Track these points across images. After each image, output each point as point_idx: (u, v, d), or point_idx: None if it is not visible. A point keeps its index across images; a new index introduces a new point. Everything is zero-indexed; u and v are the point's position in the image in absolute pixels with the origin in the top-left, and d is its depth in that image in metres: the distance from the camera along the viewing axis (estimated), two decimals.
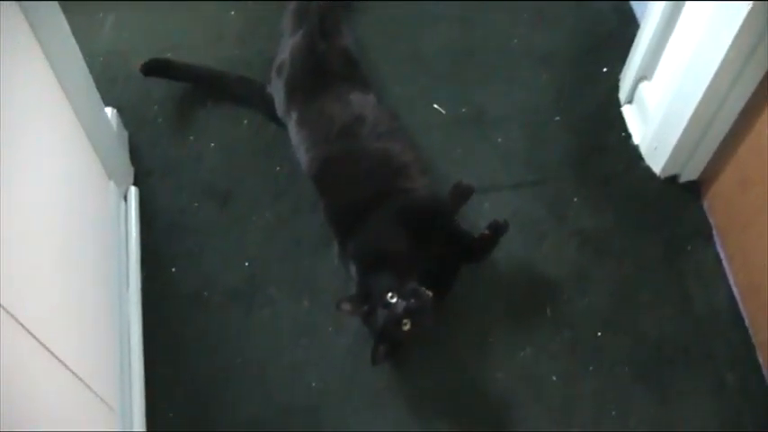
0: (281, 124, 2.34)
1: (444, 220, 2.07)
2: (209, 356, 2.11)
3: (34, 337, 1.38)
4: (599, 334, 2.13)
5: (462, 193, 2.06)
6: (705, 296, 2.19)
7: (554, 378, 2.08)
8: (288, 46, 2.34)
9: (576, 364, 2.10)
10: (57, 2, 1.81)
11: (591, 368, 2.09)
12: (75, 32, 1.89)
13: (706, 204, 2.30)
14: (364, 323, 2.00)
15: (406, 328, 1.91)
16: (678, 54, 2.16)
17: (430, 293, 1.92)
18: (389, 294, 1.91)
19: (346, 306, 1.97)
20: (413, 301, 1.90)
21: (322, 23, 2.33)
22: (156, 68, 2.45)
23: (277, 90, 2.33)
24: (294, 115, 2.24)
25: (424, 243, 2.01)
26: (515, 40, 2.60)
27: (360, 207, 2.07)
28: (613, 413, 2.04)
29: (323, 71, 2.26)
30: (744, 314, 2.15)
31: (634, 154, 2.38)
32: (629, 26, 2.55)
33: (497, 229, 2.06)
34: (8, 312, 1.28)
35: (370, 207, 2.06)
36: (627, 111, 2.45)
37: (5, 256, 1.34)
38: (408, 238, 2.01)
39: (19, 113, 1.57)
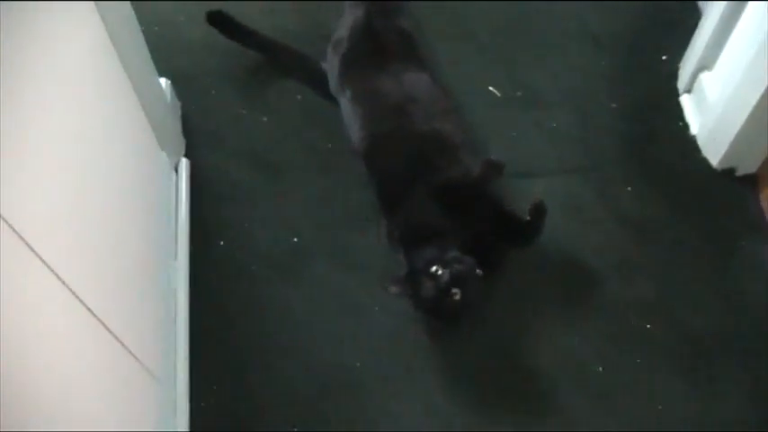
0: (333, 100, 2.33)
1: (473, 193, 2.06)
2: (254, 330, 2.11)
3: (80, 299, 1.39)
4: (647, 326, 2.10)
5: (492, 169, 2.04)
6: (756, 294, 2.14)
7: (597, 367, 2.06)
8: (348, 23, 2.32)
9: (620, 354, 2.07)
10: None
11: (635, 359, 2.07)
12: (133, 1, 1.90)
13: (763, 199, 2.25)
14: (415, 305, 1.99)
15: (457, 297, 1.91)
16: (742, 45, 2.11)
17: (473, 259, 1.92)
18: (434, 268, 1.91)
19: (394, 288, 1.97)
20: (456, 266, 1.90)
21: (383, 2, 2.31)
22: (219, 21, 2.42)
23: (332, 66, 2.32)
24: (348, 92, 2.23)
25: (462, 220, 2.01)
26: (573, 23, 2.56)
27: (408, 188, 2.06)
28: (659, 407, 2.01)
29: (380, 49, 2.24)
30: None
31: (691, 144, 2.34)
32: (691, 14, 2.50)
33: (538, 210, 2.05)
34: (54, 273, 1.29)
35: (418, 189, 2.05)
36: (685, 100, 2.40)
37: (54, 217, 1.36)
38: (447, 215, 2.01)
39: (76, 79, 1.58)
